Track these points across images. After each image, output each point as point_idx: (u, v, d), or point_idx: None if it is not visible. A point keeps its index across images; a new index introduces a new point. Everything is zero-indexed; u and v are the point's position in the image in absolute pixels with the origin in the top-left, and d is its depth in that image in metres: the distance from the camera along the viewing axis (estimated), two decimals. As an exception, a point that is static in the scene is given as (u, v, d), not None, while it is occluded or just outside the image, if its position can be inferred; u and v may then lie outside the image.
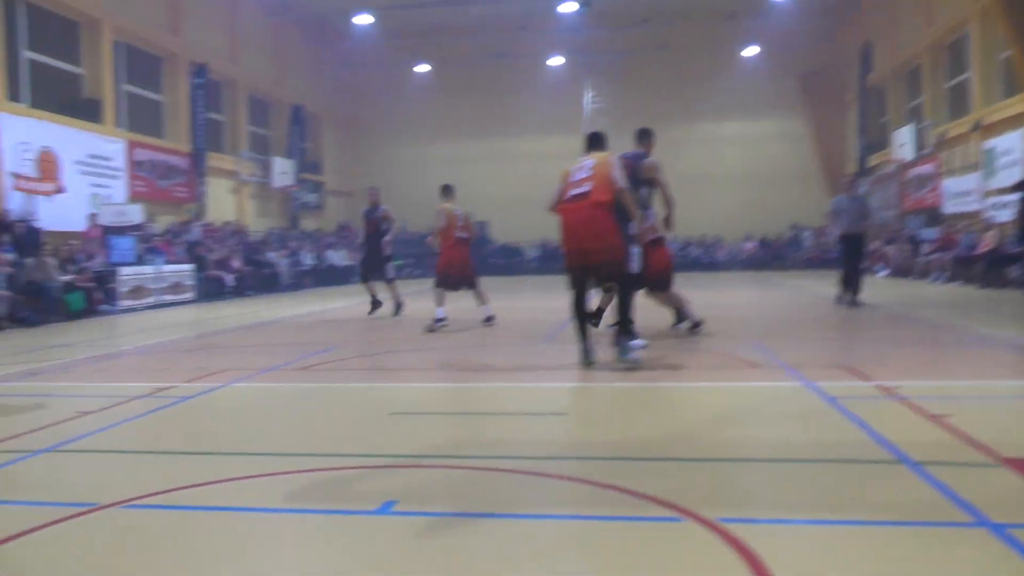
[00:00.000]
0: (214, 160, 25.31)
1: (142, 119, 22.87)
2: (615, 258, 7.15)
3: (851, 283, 13.35)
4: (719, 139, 34.28)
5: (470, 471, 4.16)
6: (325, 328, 12.50)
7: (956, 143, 23.19)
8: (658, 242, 9.73)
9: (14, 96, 18.02)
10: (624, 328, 7.17)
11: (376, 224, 13.66)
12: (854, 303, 13.13)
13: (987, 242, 18.95)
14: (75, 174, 18.96)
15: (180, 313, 16.47)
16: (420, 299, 13.64)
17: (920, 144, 24.95)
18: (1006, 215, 19.09)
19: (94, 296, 16.16)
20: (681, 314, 10.03)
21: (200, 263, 20.54)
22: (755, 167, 33.93)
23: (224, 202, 26.52)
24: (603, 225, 7.03)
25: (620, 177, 7.24)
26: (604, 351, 7.50)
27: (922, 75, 25.82)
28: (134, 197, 21.01)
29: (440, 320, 10.98)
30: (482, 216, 34.63)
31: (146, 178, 21.89)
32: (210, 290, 20.58)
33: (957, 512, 3.34)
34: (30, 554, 3.15)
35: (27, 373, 8.30)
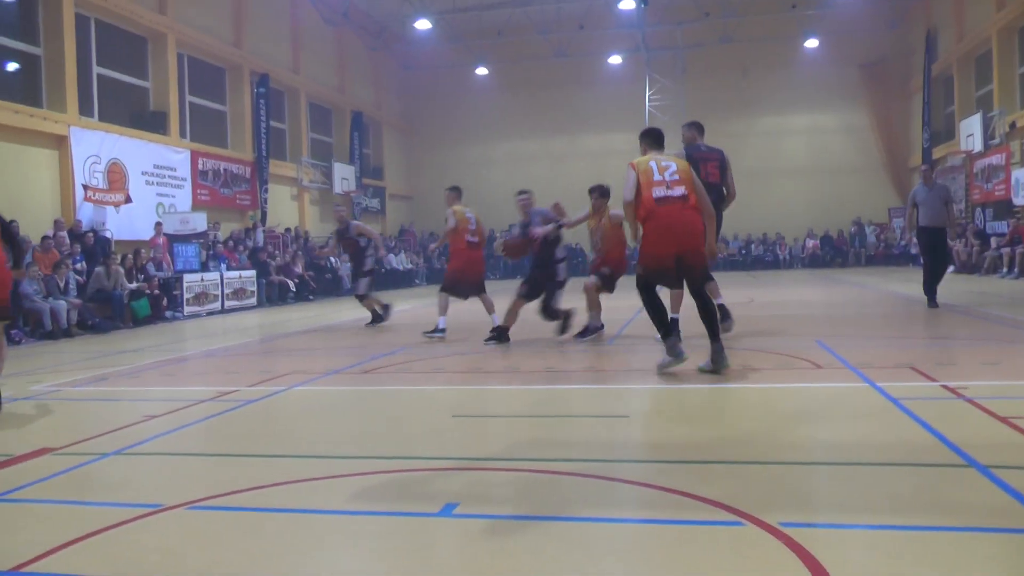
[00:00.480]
0: (276, 167, 25.72)
1: (206, 129, 23.33)
2: (705, 262, 7.20)
3: (935, 281, 12.33)
4: (781, 132, 33.83)
5: (532, 474, 4.16)
6: (386, 332, 12.60)
7: (1028, 132, 22.55)
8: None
9: (85, 111, 18.52)
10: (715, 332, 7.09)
11: (355, 243, 13.48)
12: (933, 303, 12.20)
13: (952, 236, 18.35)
14: (141, 184, 19.41)
15: (244, 318, 16.77)
16: (472, 301, 13.57)
17: (989, 134, 24.31)
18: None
19: (160, 303, 16.54)
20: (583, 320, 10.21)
21: (263, 269, 20.87)
22: (817, 161, 33.43)
23: (286, 208, 26.92)
24: (700, 228, 7.06)
25: (699, 182, 7.35)
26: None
27: (991, 62, 25.11)
28: (198, 205, 21.45)
29: (440, 331, 10.66)
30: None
31: (209, 186, 22.32)
32: (272, 295, 20.91)
33: (1028, 515, 3.25)
34: (100, 554, 3.23)
35: (96, 378, 8.51)
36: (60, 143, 17.35)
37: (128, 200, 18.74)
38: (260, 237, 22.94)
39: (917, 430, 4.74)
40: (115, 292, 15.09)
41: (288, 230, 25.45)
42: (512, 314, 9.85)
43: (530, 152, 35.21)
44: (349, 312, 16.74)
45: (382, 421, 5.90)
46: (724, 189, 9.15)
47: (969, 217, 26.06)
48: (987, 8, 24.92)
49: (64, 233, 15.86)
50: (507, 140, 35.63)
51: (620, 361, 8.09)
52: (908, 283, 18.69)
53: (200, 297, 17.94)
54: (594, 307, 9.93)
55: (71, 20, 17.76)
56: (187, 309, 17.42)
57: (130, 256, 16.65)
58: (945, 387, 5.96)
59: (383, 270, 28.39)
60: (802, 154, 33.57)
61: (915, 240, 13.24)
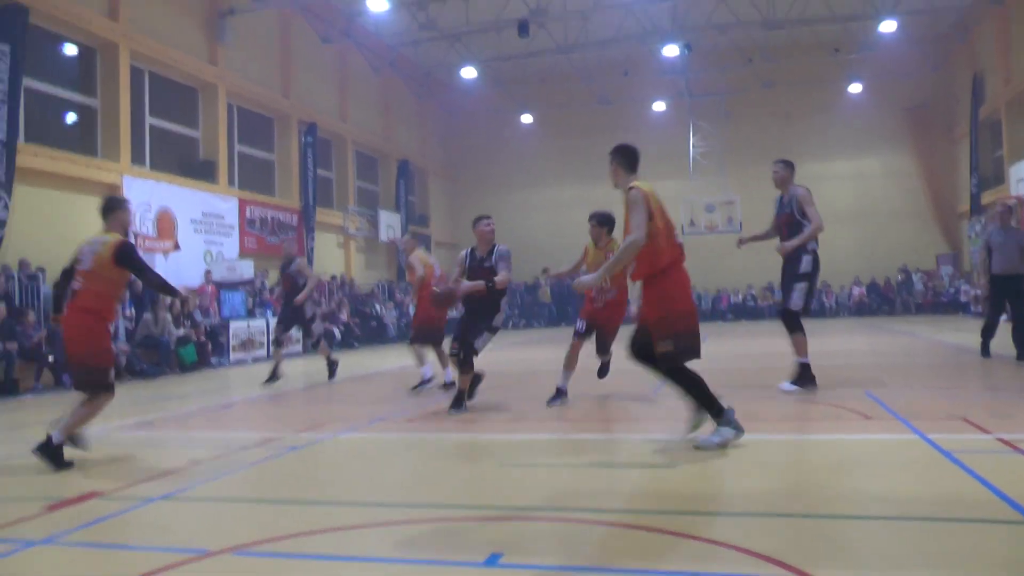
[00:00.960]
0: (322, 215, 26.06)
1: (253, 177, 23.76)
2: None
3: (1018, 333, 11.29)
4: (826, 177, 33.56)
5: (578, 524, 4.13)
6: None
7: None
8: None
9: (137, 159, 18.98)
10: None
11: (292, 280, 12.37)
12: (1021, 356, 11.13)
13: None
14: (190, 232, 19.77)
15: (289, 365, 16.87)
16: (516, 349, 13.46)
17: (1039, 179, 23.95)
18: None
19: (206, 349, 16.74)
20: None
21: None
22: (863, 206, 33.14)
23: (332, 256, 27.22)
24: None
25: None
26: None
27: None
28: (245, 253, 21.77)
29: (426, 381, 10.47)
30: (584, 264, 34.63)
31: (257, 234, 22.66)
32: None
33: (1089, 574, 3.15)
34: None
35: (143, 424, 8.60)
36: (112, 192, 17.75)
37: (177, 247, 19.07)
38: (305, 284, 23.17)
39: (971, 484, 4.62)
40: (162, 338, 15.32)
41: (334, 277, 25.71)
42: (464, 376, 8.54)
43: (571, 198, 35.30)
44: (395, 359, 16.80)
45: (426, 469, 5.89)
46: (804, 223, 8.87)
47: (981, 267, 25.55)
48: (1034, 53, 24.71)
49: (114, 280, 16.15)
50: (549, 186, 35.82)
51: (665, 411, 8.01)
52: (958, 332, 18.37)
53: (246, 344, 18.13)
54: (571, 366, 8.73)
55: (127, 73, 18.32)
56: (233, 356, 17.61)
57: (177, 303, 16.90)
58: (1001, 440, 5.82)
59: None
60: (847, 200, 33.27)
61: (985, 287, 12.11)
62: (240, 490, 5.41)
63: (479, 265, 8.56)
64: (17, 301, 14.27)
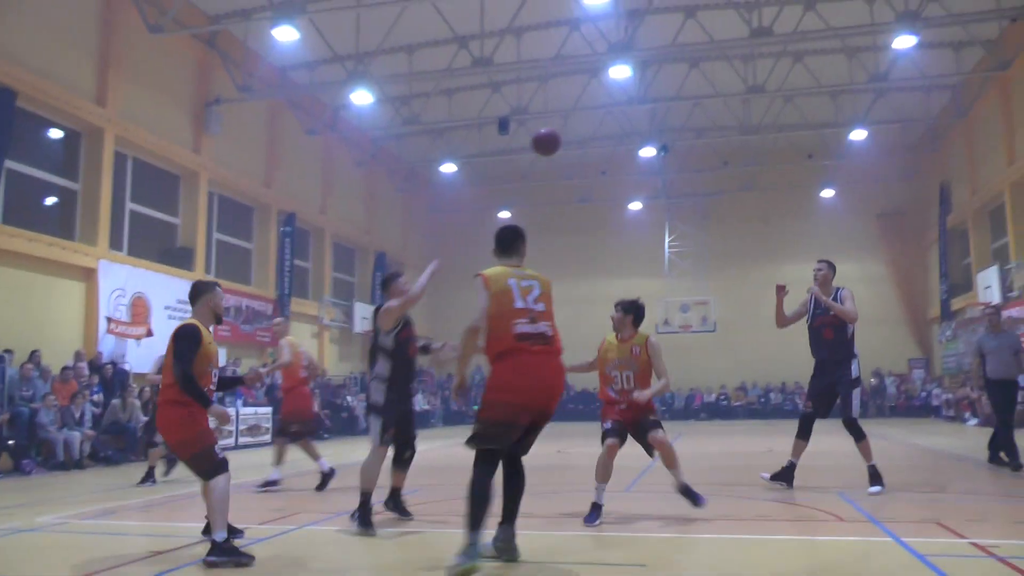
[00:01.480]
0: (297, 305, 26.00)
1: (230, 265, 23.75)
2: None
3: (1006, 440, 10.97)
4: (801, 280, 33.81)
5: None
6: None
7: (1046, 285, 22.58)
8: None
9: (115, 244, 18.97)
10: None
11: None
12: (1017, 466, 10.58)
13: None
14: (164, 318, 19.62)
15: (258, 455, 16.60)
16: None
17: (1007, 286, 24.34)
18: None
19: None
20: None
21: (279, 406, 20.79)
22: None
23: (306, 346, 27.04)
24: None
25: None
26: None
27: (1005, 215, 25.40)
28: (218, 341, 21.43)
29: (272, 483, 10.07)
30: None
31: (231, 323, 22.54)
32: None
33: None
34: None
35: (105, 511, 8.39)
36: (88, 275, 17.69)
37: (150, 334, 18.91)
38: (278, 375, 22.96)
39: (945, 589, 4.55)
40: (129, 424, 15.07)
41: (307, 367, 25.52)
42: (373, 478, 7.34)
43: (553, 296, 35.40)
44: (365, 451, 16.56)
45: (393, 564, 5.76)
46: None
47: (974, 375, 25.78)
48: (999, 163, 25.40)
49: (84, 364, 15.99)
50: (528, 283, 35.99)
51: (638, 507, 7.91)
52: (930, 435, 18.39)
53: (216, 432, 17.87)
54: (605, 477, 7.29)
55: (110, 158, 18.44)
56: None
57: (148, 389, 16.69)
58: (974, 544, 5.77)
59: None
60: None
61: (979, 393, 11.93)
62: (200, 583, 5.25)
63: (410, 323, 7.78)
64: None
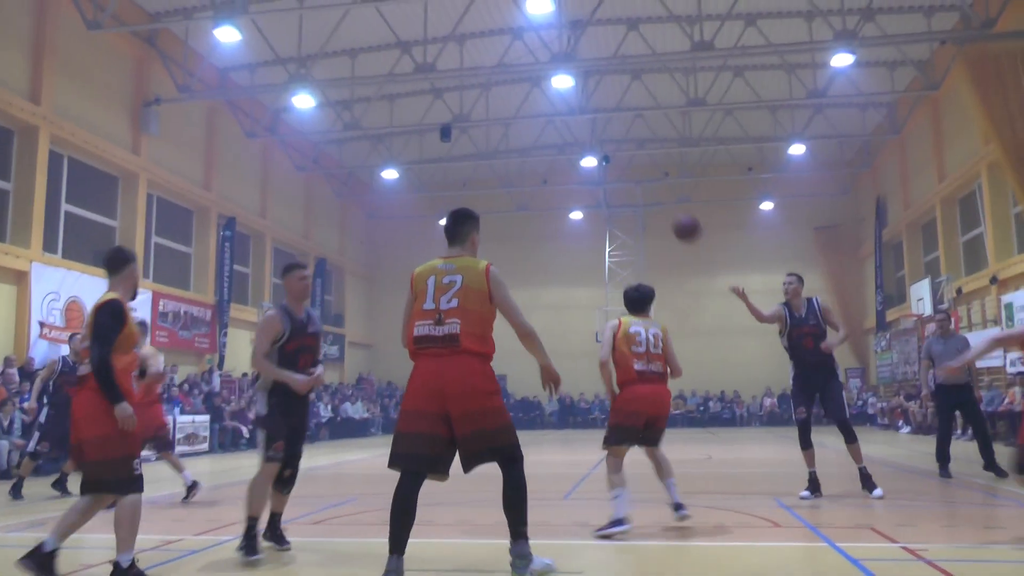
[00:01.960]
0: (236, 311, 25.66)
1: (169, 270, 23.36)
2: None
3: (940, 446, 11.09)
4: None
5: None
6: (341, 481, 12.33)
7: (974, 297, 23.23)
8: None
9: (49, 247, 18.52)
10: None
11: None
12: (999, 472, 10.59)
13: (1011, 398, 18.71)
14: (99, 323, 19.21)
15: (194, 464, 16.32)
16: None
17: (938, 298, 24.99)
18: (1029, 371, 18.92)
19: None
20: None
21: (216, 414, 20.52)
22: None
23: (244, 353, 26.70)
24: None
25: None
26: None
27: (936, 229, 26.12)
28: (155, 347, 21.17)
29: (193, 487, 9.81)
30: (501, 369, 34.75)
31: (169, 328, 22.17)
32: (225, 441, 20.51)
33: None
34: None
35: (32, 523, 8.17)
36: (20, 279, 17.25)
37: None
38: (216, 381, 22.67)
39: (877, 593, 4.64)
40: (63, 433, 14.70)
41: (245, 375, 25.18)
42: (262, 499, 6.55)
43: (492, 303, 35.46)
44: (304, 461, 16.39)
45: (327, 575, 5.70)
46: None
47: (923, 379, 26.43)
48: (930, 179, 26.10)
49: (14, 371, 15.55)
50: (469, 290, 35.95)
51: (577, 515, 7.94)
52: (866, 443, 18.70)
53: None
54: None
55: (45, 157, 17.98)
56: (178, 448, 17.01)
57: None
58: (905, 548, 5.90)
59: (340, 419, 28.07)
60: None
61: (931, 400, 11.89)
62: (133, 593, 5.14)
63: (304, 331, 6.52)
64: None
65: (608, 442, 7.13)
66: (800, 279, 9.69)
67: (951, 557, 5.60)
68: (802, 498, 9.00)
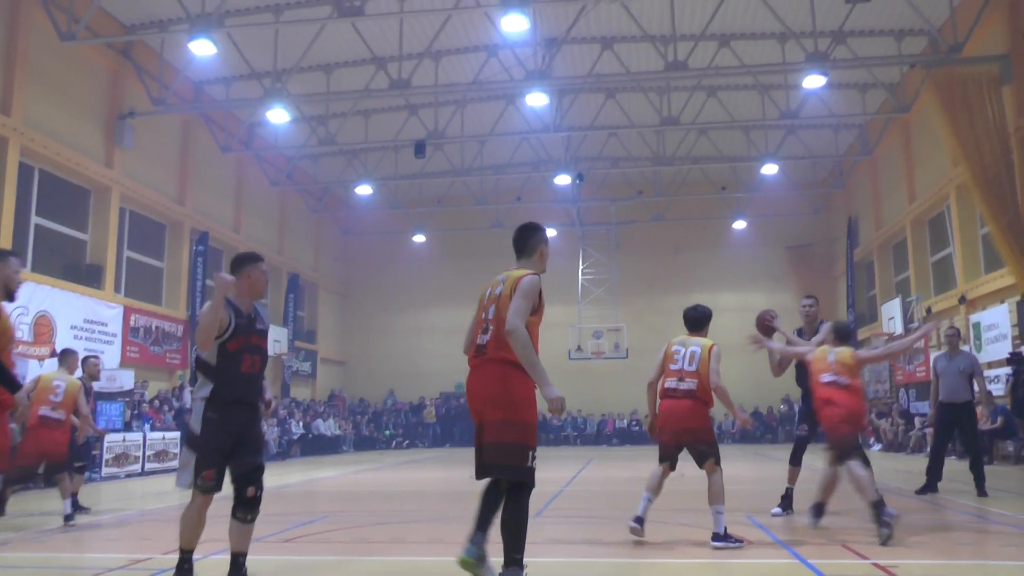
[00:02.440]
0: (209, 326, 25.41)
1: (141, 285, 23.16)
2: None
3: (931, 462, 11.13)
4: (713, 309, 34.50)
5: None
6: (312, 498, 12.24)
7: (943, 317, 23.46)
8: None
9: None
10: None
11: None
12: (925, 490, 10.91)
13: (979, 416, 18.90)
14: (69, 338, 18.98)
15: (164, 481, 16.17)
16: (397, 470, 13.28)
17: (908, 317, 25.24)
18: (997, 389, 19.13)
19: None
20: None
21: (187, 430, 20.33)
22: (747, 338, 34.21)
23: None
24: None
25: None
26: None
27: (907, 250, 26.44)
28: (126, 362, 21.02)
29: (68, 518, 9.11)
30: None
31: (140, 344, 21.96)
32: (197, 457, 20.31)
33: None
34: None
35: (-2, 542, 8.05)
36: (-12, 293, 17.01)
37: (54, 354, 18.27)
38: (187, 397, 22.44)
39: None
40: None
41: (216, 390, 24.99)
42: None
43: (466, 321, 35.35)
44: (275, 478, 16.27)
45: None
46: None
47: (894, 397, 26.72)
48: (901, 200, 26.41)
49: (-19, 385, 15.32)
50: (443, 308, 35.91)
51: (549, 533, 7.92)
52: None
53: (120, 458, 17.35)
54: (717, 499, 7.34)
55: (15, 169, 17.78)
56: (105, 470, 16.79)
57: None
58: (876, 565, 5.94)
59: (311, 435, 27.91)
60: (733, 331, 34.02)
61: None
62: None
63: (251, 328, 5.71)
64: None
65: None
66: (817, 302, 9.95)
67: (922, 573, 5.64)
68: (774, 515, 9.04)
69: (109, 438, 17.09)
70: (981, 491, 10.74)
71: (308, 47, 20.53)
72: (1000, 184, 18.50)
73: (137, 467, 17.78)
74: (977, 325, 20.92)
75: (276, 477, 15.95)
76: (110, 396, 18.44)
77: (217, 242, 26.51)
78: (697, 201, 32.74)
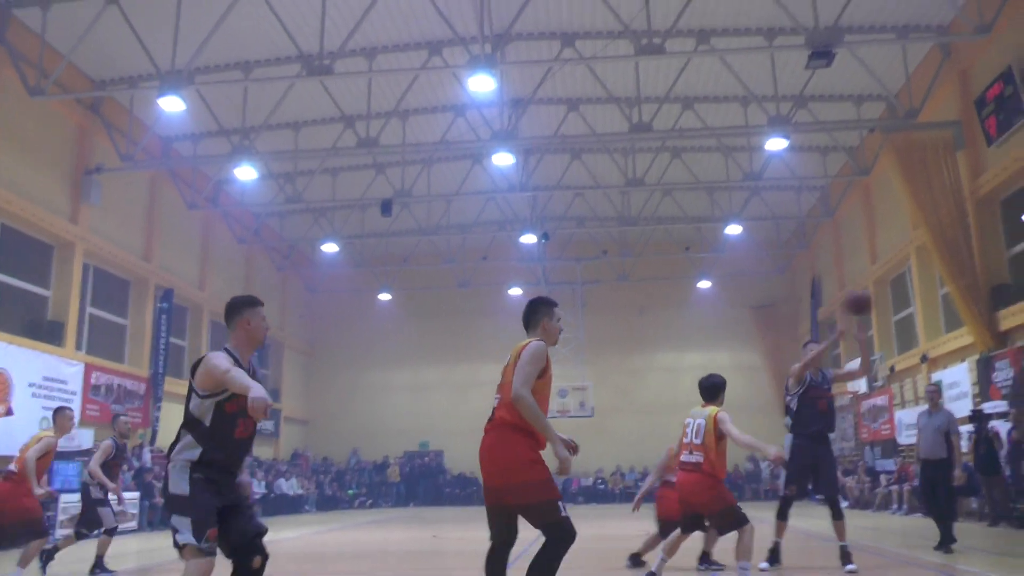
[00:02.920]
0: (171, 385, 25.07)
1: (103, 342, 22.86)
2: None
3: (941, 520, 11.13)
4: (679, 369, 34.70)
5: None
6: (272, 560, 11.98)
7: (906, 375, 23.77)
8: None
9: (-26, 317, 18.01)
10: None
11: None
12: (946, 547, 10.83)
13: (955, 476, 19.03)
14: (27, 397, 18.63)
15: (122, 543, 15.80)
16: (361, 530, 12.99)
17: (872, 377, 25.50)
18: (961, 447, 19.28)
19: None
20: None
21: (147, 491, 19.96)
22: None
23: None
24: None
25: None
26: None
27: (870, 309, 26.76)
28: (86, 421, 20.62)
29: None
30: (439, 445, 34.51)
31: (101, 402, 21.59)
32: (155, 519, 19.91)
33: None
34: None
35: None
36: (-56, 350, 16.73)
37: (9, 412, 17.91)
38: (147, 458, 22.06)
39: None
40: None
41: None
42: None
43: (431, 380, 35.45)
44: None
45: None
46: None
47: (859, 455, 26.85)
48: (863, 260, 26.85)
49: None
50: (408, 367, 35.79)
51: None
52: (801, 517, 18.83)
53: (76, 519, 16.92)
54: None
55: (-24, 226, 17.57)
56: (60, 532, 16.37)
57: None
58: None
59: (273, 495, 27.49)
60: (694, 390, 34.33)
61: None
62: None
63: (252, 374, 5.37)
64: None
65: None
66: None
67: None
68: (762, 570, 9.02)
69: (65, 498, 16.71)
70: (946, 548, 10.78)
71: (277, 105, 20.63)
72: (958, 246, 18.90)
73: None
74: (938, 383, 21.14)
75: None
76: (67, 456, 18.07)
77: (182, 299, 26.29)
78: (662, 261, 33.02)
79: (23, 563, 9.23)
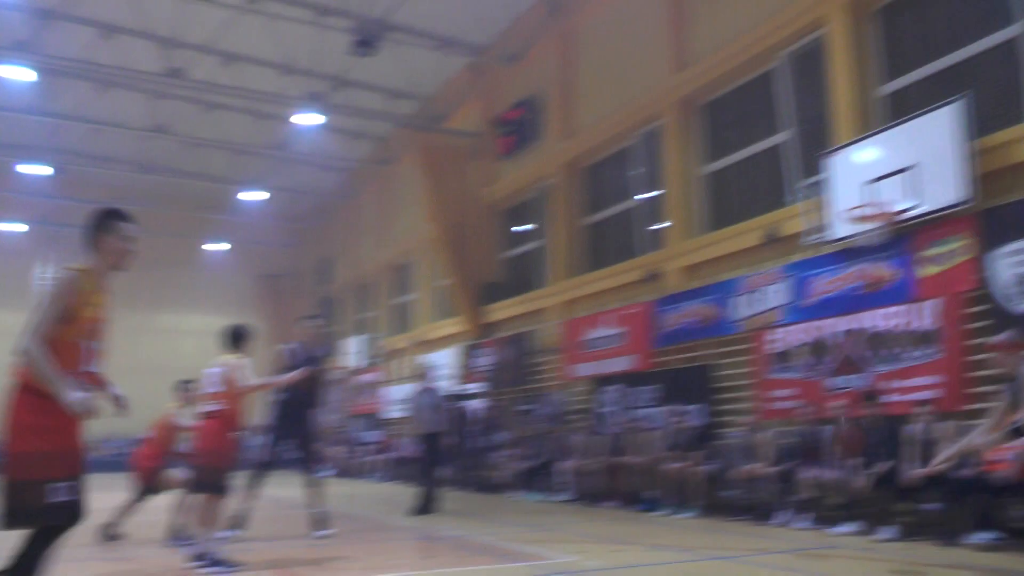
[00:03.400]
0: None
1: None
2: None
3: (428, 489, 12.17)
4: (179, 331, 33.55)
5: None
6: None
7: (398, 355, 25.58)
8: None
9: None
10: None
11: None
12: (427, 511, 11.94)
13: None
14: None
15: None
16: None
17: (368, 354, 27.03)
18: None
19: None
20: None
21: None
22: (209, 361, 33.64)
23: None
24: None
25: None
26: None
27: (372, 292, 28.41)
28: None
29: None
30: None
31: None
32: None
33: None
34: None
35: None
36: None
37: None
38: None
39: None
40: None
41: None
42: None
43: None
44: None
45: None
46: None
47: (347, 427, 28.17)
48: (372, 245, 28.42)
49: None
50: None
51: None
52: (276, 486, 19.35)
53: None
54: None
55: None
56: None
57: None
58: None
59: None
60: (199, 354, 33.41)
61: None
62: None
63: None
64: None
65: None
66: (327, 320, 10.47)
67: None
68: (224, 539, 9.01)
69: None
70: (428, 511, 12.02)
71: None
72: (462, 244, 20.89)
73: None
74: (431, 365, 23.09)
75: None
76: None
77: None
78: (174, 217, 31.22)
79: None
